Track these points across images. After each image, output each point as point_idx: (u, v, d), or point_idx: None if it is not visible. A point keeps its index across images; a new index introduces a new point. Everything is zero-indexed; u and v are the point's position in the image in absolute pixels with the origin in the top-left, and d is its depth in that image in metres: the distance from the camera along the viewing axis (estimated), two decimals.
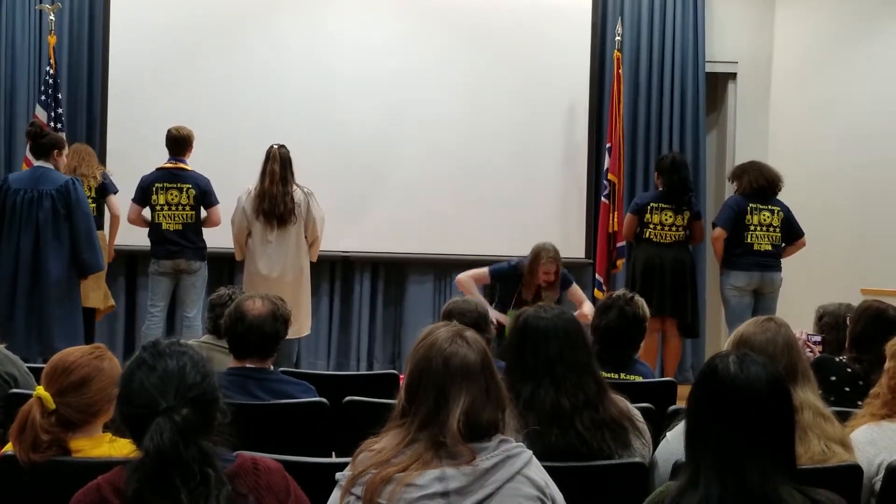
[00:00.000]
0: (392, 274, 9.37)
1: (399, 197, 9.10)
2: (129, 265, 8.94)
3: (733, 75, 9.69)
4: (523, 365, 3.33)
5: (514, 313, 6.62)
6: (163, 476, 2.28)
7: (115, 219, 8.05)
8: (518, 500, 2.53)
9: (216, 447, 2.39)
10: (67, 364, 3.14)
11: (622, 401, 3.42)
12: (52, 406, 3.06)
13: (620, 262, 8.79)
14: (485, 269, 7.41)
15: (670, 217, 8.13)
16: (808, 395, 3.25)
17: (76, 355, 3.18)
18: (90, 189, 7.79)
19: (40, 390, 3.10)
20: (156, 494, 2.27)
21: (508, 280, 7.37)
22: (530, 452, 2.64)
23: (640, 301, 4.89)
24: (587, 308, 7.12)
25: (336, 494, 2.58)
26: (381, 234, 9.10)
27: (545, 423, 3.19)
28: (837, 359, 4.82)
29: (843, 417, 3.57)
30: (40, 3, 8.74)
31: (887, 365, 3.59)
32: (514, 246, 9.01)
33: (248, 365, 4.15)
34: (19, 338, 6.75)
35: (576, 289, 7.50)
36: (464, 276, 7.43)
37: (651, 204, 8.15)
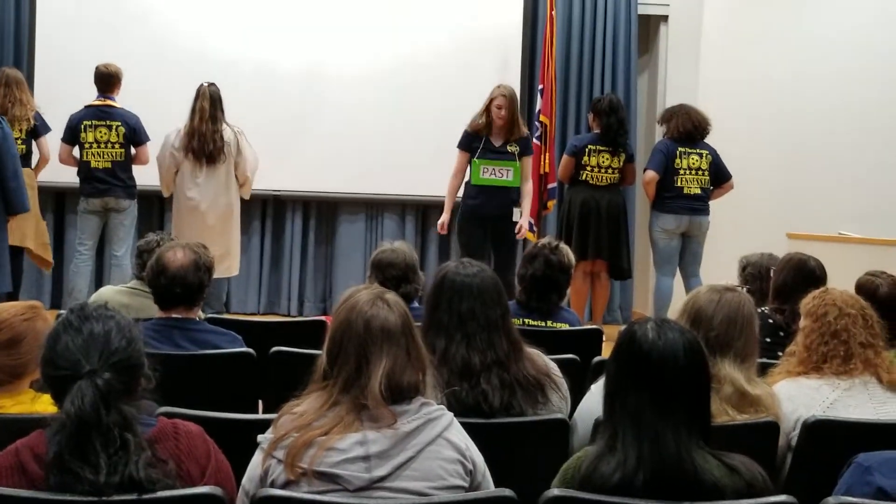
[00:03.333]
0: (323, 213, 9.33)
1: (330, 136, 9.00)
2: (57, 203, 8.81)
3: (665, 18, 9.67)
4: (439, 319, 3.35)
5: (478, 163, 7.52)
6: (83, 440, 2.28)
7: (42, 160, 7.87)
8: (438, 462, 2.56)
9: (138, 412, 2.39)
10: None
11: (540, 356, 3.46)
12: None
13: (551, 204, 8.81)
14: (456, 154, 7.76)
15: (607, 159, 8.15)
16: (734, 372, 3.26)
17: (9, 313, 3.11)
18: (21, 131, 7.61)
19: None
20: (75, 458, 2.27)
21: (474, 139, 7.61)
22: (451, 415, 2.66)
23: (565, 249, 4.92)
24: (526, 204, 7.65)
25: (258, 458, 2.59)
26: (313, 173, 9.05)
27: (456, 379, 3.22)
28: (760, 310, 4.88)
29: (763, 370, 3.63)
30: None
31: (802, 323, 3.64)
32: (445, 185, 9.03)
33: (174, 315, 4.13)
34: None
35: (528, 163, 7.76)
36: (450, 186, 7.84)
37: (589, 146, 8.17)
